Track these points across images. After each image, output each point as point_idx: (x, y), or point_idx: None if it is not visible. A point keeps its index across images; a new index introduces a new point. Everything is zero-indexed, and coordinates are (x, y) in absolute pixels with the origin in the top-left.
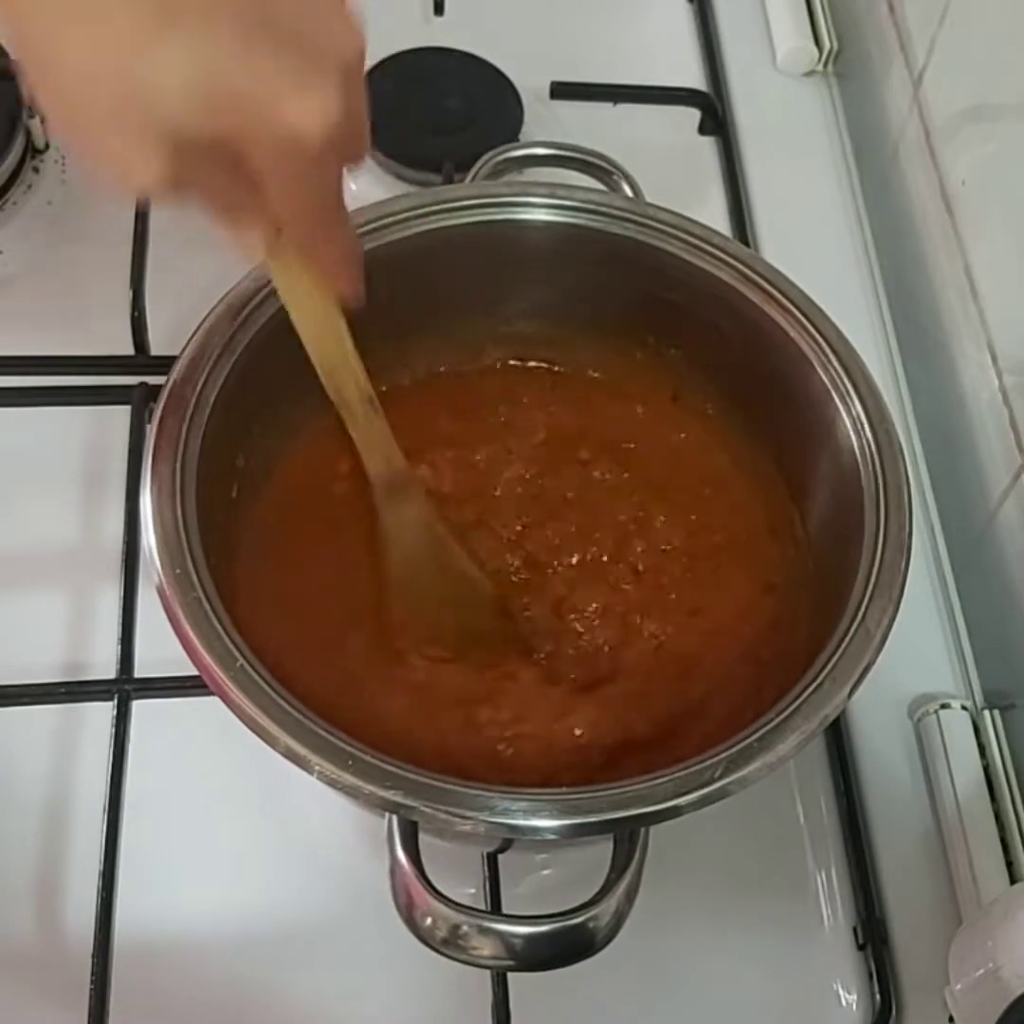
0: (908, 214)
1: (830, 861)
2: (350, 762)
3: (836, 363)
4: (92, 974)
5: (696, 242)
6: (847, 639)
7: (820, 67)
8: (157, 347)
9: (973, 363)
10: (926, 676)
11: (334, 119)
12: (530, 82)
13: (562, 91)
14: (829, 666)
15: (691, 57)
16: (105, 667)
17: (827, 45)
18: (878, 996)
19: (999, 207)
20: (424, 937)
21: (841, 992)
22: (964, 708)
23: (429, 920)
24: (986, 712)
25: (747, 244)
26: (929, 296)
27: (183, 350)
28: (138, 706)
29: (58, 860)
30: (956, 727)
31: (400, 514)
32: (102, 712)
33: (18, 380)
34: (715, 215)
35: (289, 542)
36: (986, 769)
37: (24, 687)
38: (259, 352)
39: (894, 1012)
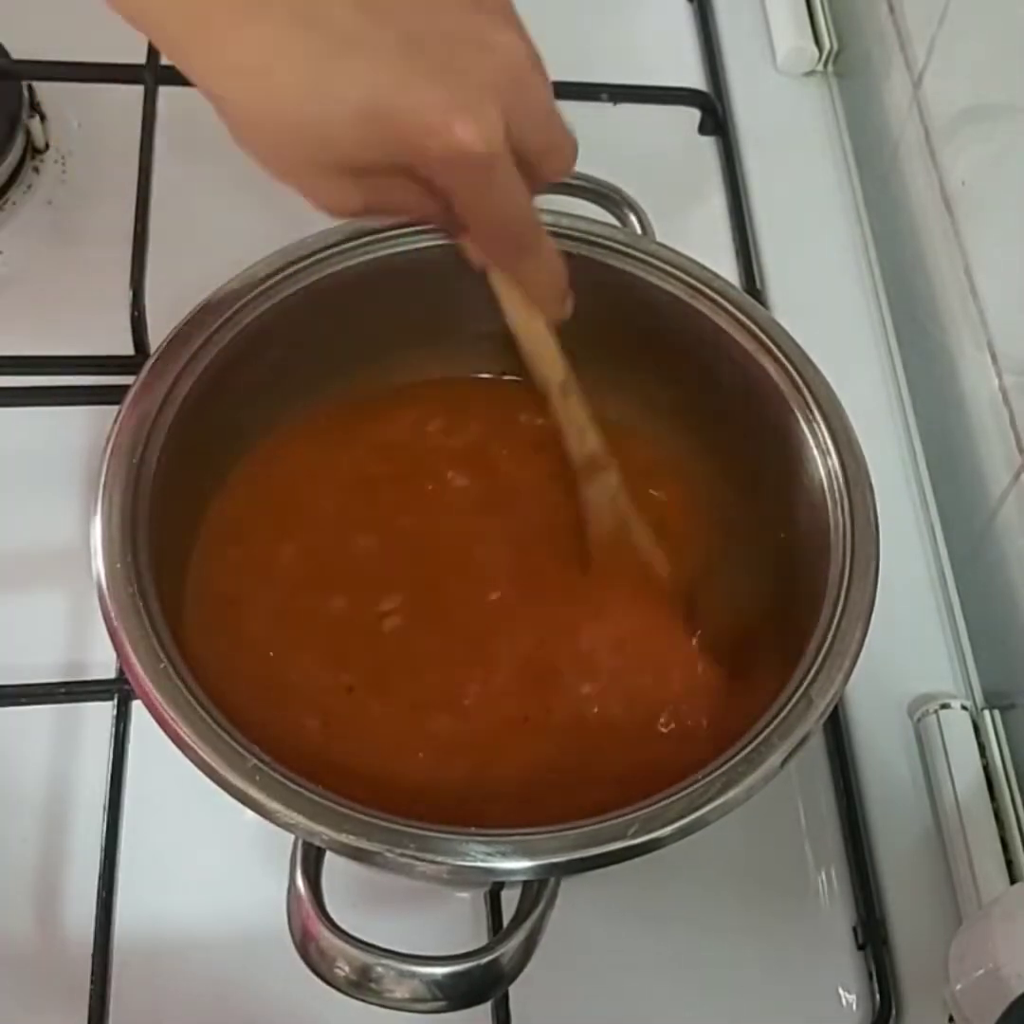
0: (908, 214)
1: (830, 861)
2: (257, 777)
3: (821, 422)
4: (92, 974)
5: (695, 284)
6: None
7: (820, 67)
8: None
9: (973, 363)
10: (926, 676)
11: (494, 139)
12: None
13: (562, 91)
14: (806, 679)
15: (691, 57)
16: (105, 667)
17: (827, 45)
18: (878, 996)
19: (999, 207)
20: (317, 969)
21: (841, 992)
22: (964, 708)
23: (329, 956)
24: (986, 712)
25: (747, 245)
26: (929, 296)
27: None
28: (138, 706)
29: (58, 860)
30: (956, 727)
31: (593, 493)
32: (102, 712)
33: (18, 380)
34: (715, 215)
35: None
36: (986, 769)
37: (24, 687)
38: (218, 375)
39: (894, 1012)
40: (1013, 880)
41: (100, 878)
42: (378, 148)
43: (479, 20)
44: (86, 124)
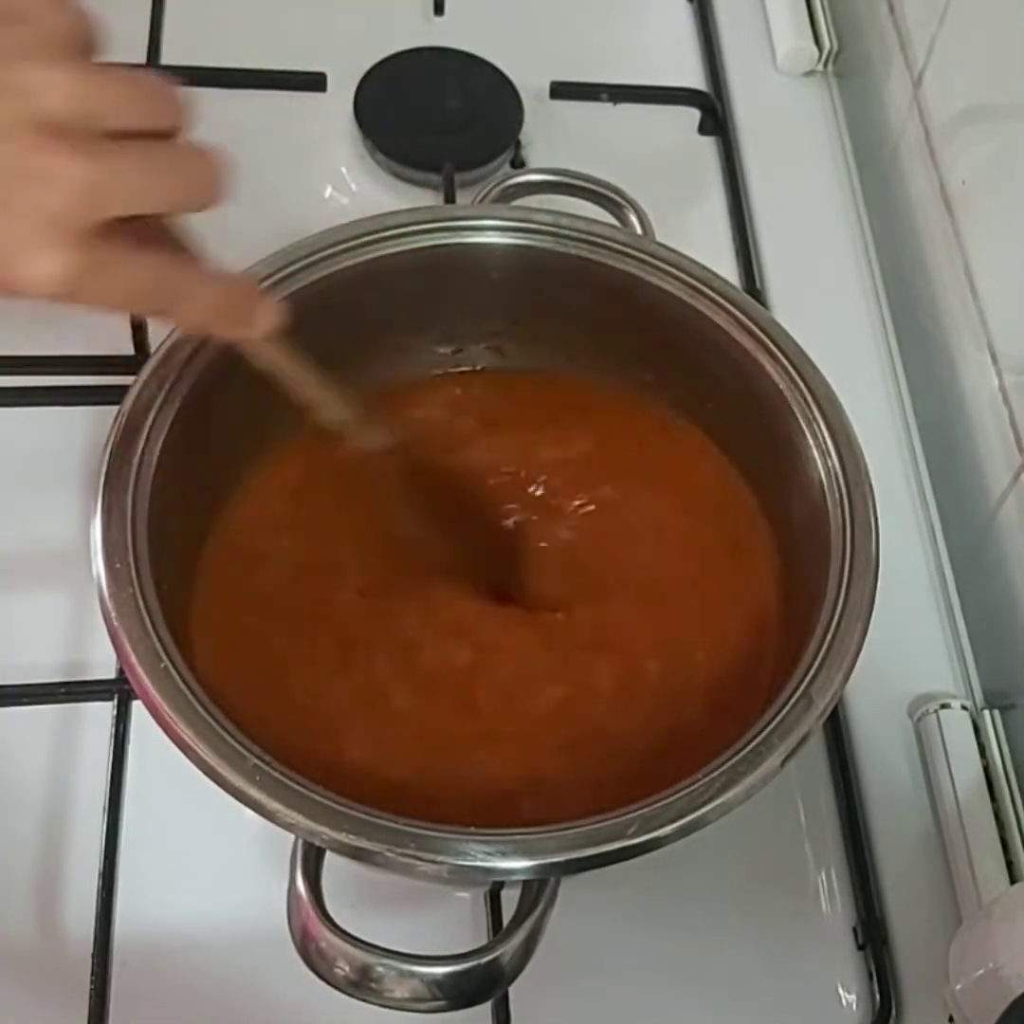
0: (908, 214)
1: (830, 861)
2: (257, 777)
3: (821, 422)
4: (92, 974)
5: (695, 284)
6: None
7: (820, 67)
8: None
9: (973, 363)
10: (926, 676)
11: (65, 273)
12: (530, 82)
13: (562, 91)
14: (806, 678)
15: (691, 57)
16: (105, 667)
17: (827, 45)
18: (878, 996)
19: (999, 207)
20: (316, 969)
21: (841, 992)
22: (964, 708)
23: (329, 956)
24: (986, 712)
25: (747, 245)
26: (929, 296)
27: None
28: (138, 706)
29: (58, 860)
30: (956, 727)
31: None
32: (102, 712)
33: (18, 380)
34: (715, 215)
35: (243, 576)
36: (986, 769)
37: (24, 687)
38: (218, 376)
39: (894, 1012)
40: (1013, 880)
41: (100, 878)
42: None
43: (31, 140)
44: None
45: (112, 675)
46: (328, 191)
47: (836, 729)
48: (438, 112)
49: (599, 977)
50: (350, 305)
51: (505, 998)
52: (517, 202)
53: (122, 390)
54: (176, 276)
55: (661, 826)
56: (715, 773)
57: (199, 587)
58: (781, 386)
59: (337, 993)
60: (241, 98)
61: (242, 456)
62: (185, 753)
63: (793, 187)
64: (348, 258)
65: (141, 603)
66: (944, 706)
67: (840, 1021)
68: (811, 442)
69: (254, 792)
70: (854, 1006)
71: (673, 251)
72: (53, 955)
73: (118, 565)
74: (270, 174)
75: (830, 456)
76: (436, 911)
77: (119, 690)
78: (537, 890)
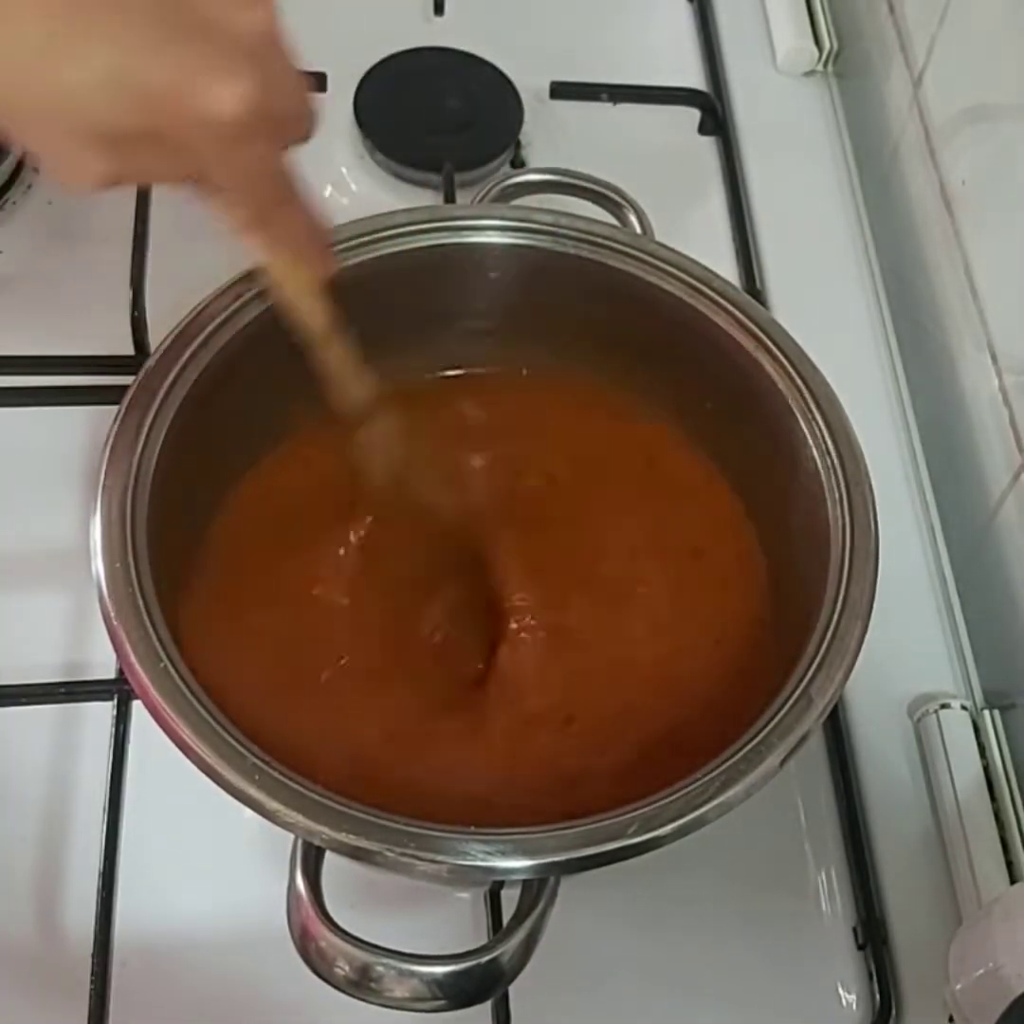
0: (908, 214)
1: (830, 861)
2: (257, 777)
3: (821, 422)
4: (92, 974)
5: (695, 284)
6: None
7: (820, 67)
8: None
9: (973, 363)
10: (926, 676)
11: (251, 100)
12: (530, 82)
13: (562, 91)
14: (806, 678)
15: (691, 57)
16: (105, 667)
17: (827, 45)
18: (878, 996)
19: (999, 207)
20: (316, 968)
21: (841, 992)
22: (964, 708)
23: (329, 955)
24: (986, 712)
25: (747, 245)
26: (929, 296)
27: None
28: (138, 706)
29: (58, 860)
30: (956, 727)
31: (365, 439)
32: (102, 712)
33: (18, 380)
34: (715, 215)
35: (240, 574)
36: (986, 769)
37: (24, 687)
38: (217, 377)
39: (894, 1012)
40: (1013, 880)
41: (100, 878)
42: (129, 113)
43: None
44: None
45: (112, 675)
46: (328, 191)
47: (836, 729)
48: (438, 112)
49: (599, 977)
50: (349, 305)
51: (505, 998)
52: (517, 202)
53: (122, 390)
54: (294, 181)
55: (661, 826)
56: (715, 773)
57: (199, 587)
58: (781, 386)
59: (337, 993)
60: None
61: (242, 456)
62: (185, 753)
63: (793, 187)
64: (348, 258)
65: (141, 603)
66: (944, 706)
67: (840, 1021)
68: (811, 442)
69: (254, 792)
70: (854, 1006)
71: (673, 251)
72: (53, 955)
73: (118, 565)
74: None
75: (830, 456)
76: (436, 911)
77: (119, 690)
78: (537, 890)
